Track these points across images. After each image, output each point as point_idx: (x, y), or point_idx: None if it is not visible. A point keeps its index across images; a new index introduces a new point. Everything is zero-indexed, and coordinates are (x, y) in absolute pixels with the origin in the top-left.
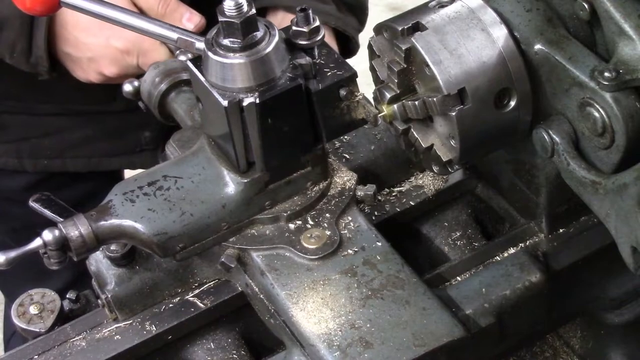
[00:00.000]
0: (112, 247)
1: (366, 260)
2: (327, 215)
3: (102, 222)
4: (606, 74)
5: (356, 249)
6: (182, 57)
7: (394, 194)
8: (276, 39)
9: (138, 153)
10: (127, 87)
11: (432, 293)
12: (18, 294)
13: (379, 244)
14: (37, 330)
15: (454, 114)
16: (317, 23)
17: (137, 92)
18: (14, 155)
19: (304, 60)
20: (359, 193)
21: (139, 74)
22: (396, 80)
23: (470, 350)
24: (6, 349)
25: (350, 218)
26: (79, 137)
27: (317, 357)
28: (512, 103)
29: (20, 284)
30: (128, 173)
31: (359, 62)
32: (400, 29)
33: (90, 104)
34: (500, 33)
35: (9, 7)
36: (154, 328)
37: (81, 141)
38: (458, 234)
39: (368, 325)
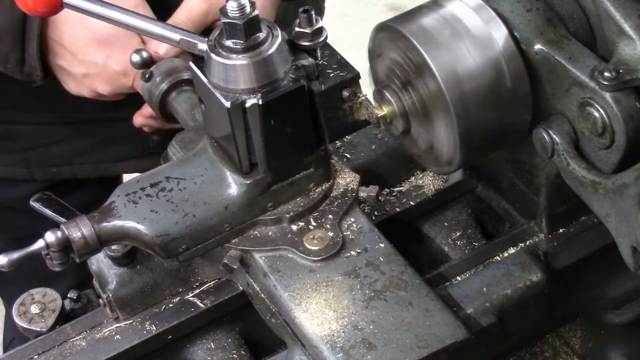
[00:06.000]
0: (114, 247)
1: (369, 262)
2: (330, 216)
3: (105, 224)
4: (606, 74)
5: (359, 250)
6: None
7: (394, 194)
8: (279, 40)
9: (146, 157)
10: (135, 58)
11: (435, 294)
12: None
13: (382, 245)
14: (38, 329)
15: (452, 109)
16: (320, 24)
17: (143, 62)
18: (22, 165)
19: (307, 61)
20: (361, 194)
21: (131, 93)
22: (395, 80)
23: (471, 350)
24: None
25: (353, 219)
26: (86, 144)
27: (320, 359)
28: (513, 102)
29: (20, 292)
30: (127, 176)
31: (360, 62)
32: (399, 28)
33: (97, 111)
34: (500, 33)
35: (0, 21)
36: (154, 328)
37: (89, 148)
38: (458, 234)
39: (371, 327)
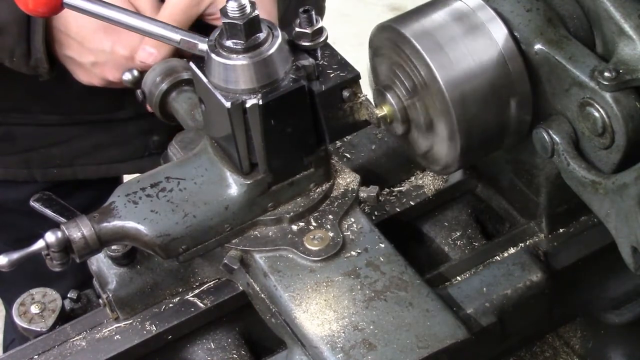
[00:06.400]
0: (114, 247)
1: (369, 262)
2: (330, 216)
3: (105, 224)
4: (606, 74)
5: (359, 251)
6: None
7: (394, 194)
8: (279, 40)
9: (147, 157)
10: (126, 76)
11: (435, 294)
12: None
13: (382, 245)
14: (38, 329)
15: (452, 109)
16: (320, 24)
17: (136, 80)
18: (23, 166)
19: (307, 61)
20: (361, 194)
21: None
22: (396, 80)
23: (471, 350)
24: None
25: (353, 219)
26: (87, 145)
27: (320, 359)
28: (513, 102)
29: (20, 292)
30: (127, 176)
31: (360, 62)
32: (400, 29)
33: (97, 113)
34: (500, 33)
35: (5, 13)
36: (154, 328)
37: (90, 149)
38: (458, 234)
39: (371, 327)
